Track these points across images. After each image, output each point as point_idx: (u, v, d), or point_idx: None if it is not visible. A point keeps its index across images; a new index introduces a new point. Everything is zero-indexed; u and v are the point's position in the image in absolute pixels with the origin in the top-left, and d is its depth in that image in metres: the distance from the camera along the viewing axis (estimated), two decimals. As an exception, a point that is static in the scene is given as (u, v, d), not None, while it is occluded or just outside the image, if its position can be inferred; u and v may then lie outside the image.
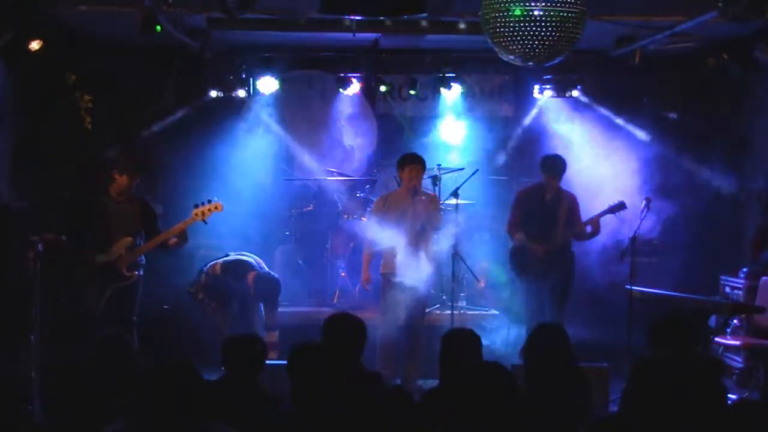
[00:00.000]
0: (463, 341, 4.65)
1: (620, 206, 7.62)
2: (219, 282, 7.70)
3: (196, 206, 7.11)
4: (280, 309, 7.93)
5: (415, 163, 7.36)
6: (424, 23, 7.74)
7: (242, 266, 7.74)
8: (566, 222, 7.65)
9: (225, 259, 7.81)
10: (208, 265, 7.79)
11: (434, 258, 7.49)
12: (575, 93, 9.34)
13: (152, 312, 7.77)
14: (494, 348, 7.68)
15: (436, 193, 8.10)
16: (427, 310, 7.86)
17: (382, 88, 9.54)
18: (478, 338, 4.67)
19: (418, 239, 7.26)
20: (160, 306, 8.44)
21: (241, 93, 9.21)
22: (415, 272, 7.26)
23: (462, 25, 7.72)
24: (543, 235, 7.61)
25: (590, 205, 7.94)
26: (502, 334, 8.07)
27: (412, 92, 9.66)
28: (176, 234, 7.03)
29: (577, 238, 7.77)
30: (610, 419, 3.90)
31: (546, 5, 5.13)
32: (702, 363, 4.58)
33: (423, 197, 7.43)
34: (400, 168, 7.43)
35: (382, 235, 7.32)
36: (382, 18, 7.55)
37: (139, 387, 3.48)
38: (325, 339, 4.71)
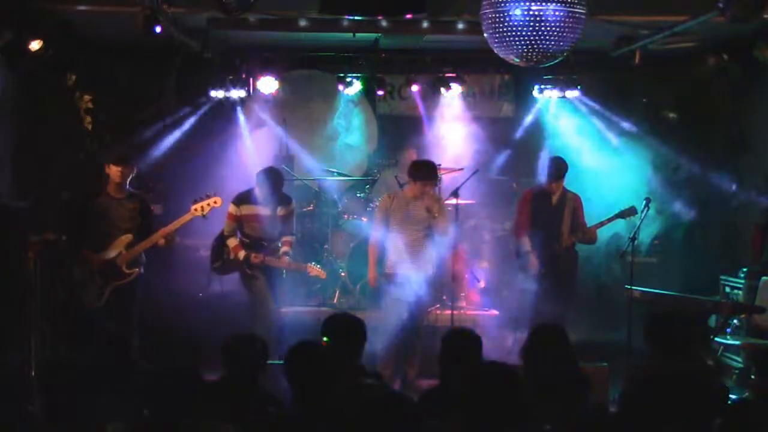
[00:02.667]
0: (463, 341, 4.65)
1: (630, 211, 7.59)
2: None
3: (195, 201, 7.13)
4: (280, 309, 7.90)
5: (431, 179, 7.27)
6: (425, 24, 7.72)
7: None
8: (571, 223, 7.65)
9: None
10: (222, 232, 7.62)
11: (435, 258, 7.47)
12: (575, 93, 9.31)
13: (153, 311, 7.76)
14: (494, 348, 7.67)
15: (438, 194, 8.08)
16: (427, 310, 7.86)
17: (380, 93, 9.55)
18: (478, 338, 4.67)
19: (421, 240, 7.25)
20: (161, 305, 8.42)
21: (241, 93, 9.21)
22: (415, 272, 7.26)
23: (461, 26, 7.71)
24: (549, 236, 7.60)
25: (589, 205, 7.94)
26: (502, 335, 8.07)
27: (413, 90, 9.70)
28: (171, 233, 7.02)
29: (581, 240, 7.75)
30: (610, 419, 3.90)
31: (546, 5, 5.13)
32: (701, 363, 4.58)
33: (428, 202, 7.37)
34: (412, 178, 7.28)
35: (386, 233, 7.32)
36: (380, 18, 7.54)
37: (139, 387, 3.49)
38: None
